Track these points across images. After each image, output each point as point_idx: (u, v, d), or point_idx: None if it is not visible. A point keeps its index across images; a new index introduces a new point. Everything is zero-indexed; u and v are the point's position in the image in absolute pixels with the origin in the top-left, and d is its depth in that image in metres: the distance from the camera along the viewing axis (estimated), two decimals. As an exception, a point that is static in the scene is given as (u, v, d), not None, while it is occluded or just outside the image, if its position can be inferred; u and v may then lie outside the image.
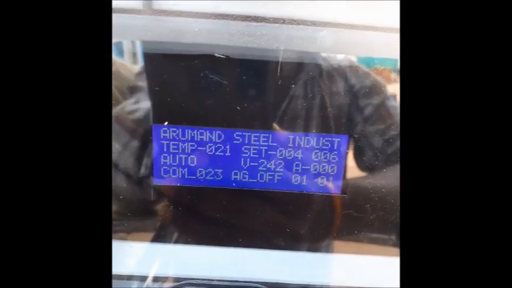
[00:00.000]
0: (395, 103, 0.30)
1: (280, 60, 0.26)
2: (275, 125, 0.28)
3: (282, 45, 0.25)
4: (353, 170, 0.30)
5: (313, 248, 0.32)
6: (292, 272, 0.32)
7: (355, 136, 0.29)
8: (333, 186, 0.30)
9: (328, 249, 0.32)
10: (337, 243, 0.32)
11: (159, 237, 0.31)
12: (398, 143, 0.30)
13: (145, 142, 0.28)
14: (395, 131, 0.30)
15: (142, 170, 0.29)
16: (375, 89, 0.29)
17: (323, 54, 0.27)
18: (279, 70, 0.26)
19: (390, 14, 0.27)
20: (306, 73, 0.28)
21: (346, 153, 0.29)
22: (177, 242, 0.31)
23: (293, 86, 0.28)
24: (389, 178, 0.31)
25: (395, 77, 0.29)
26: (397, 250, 0.33)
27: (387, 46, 0.27)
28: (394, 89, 0.29)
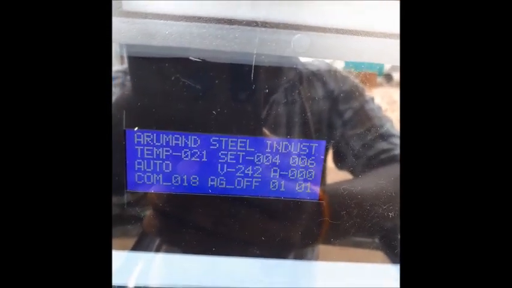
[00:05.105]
0: (374, 106, 0.30)
1: (253, 64, 0.25)
2: (260, 130, 0.28)
3: (256, 49, 0.24)
4: (332, 175, 0.30)
5: (294, 255, 0.32)
6: (273, 280, 0.31)
7: (333, 141, 0.29)
8: (311, 192, 0.30)
9: (307, 256, 0.32)
10: (317, 250, 0.32)
11: (135, 245, 0.30)
12: (378, 146, 0.29)
13: (118, 147, 0.27)
14: (374, 134, 0.29)
15: (116, 176, 0.28)
16: (354, 93, 0.29)
17: (301, 59, 0.27)
18: (252, 75, 0.25)
19: (371, 18, 0.26)
20: (285, 78, 0.27)
21: (324, 158, 0.29)
22: (150, 250, 0.30)
23: (272, 90, 0.27)
24: (370, 182, 0.30)
25: (381, 80, 0.29)
26: (381, 254, 0.32)
27: (369, 51, 0.27)
28: (379, 92, 0.29)
